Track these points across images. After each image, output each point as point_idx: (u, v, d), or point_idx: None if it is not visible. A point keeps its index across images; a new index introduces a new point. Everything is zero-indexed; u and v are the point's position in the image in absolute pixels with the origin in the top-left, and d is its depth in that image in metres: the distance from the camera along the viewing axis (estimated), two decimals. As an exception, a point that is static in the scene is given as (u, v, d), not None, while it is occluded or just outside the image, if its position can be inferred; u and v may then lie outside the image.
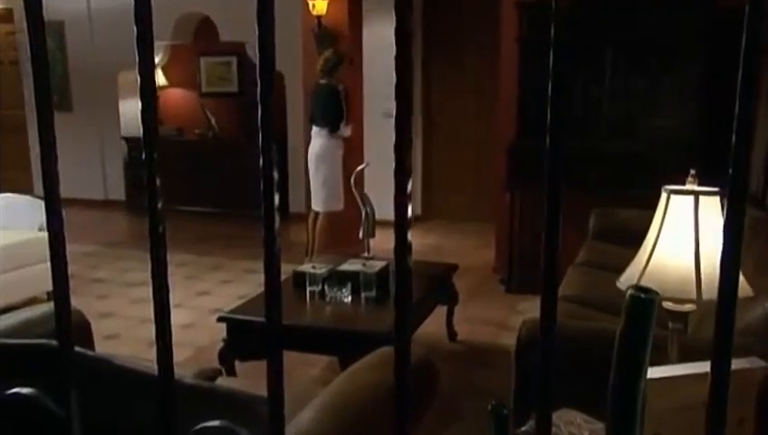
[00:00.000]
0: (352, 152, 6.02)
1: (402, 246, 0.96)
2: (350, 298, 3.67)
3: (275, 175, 0.81)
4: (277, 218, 0.82)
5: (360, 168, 4.09)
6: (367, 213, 4.12)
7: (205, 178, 8.27)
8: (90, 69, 8.56)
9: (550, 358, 0.74)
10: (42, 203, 5.61)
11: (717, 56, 4.53)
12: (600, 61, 4.94)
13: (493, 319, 4.90)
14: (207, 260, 6.42)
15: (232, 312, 3.49)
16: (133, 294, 5.35)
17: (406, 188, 0.96)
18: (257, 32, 0.87)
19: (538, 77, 5.03)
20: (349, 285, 3.66)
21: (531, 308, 5.12)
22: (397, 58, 0.78)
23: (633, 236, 4.39)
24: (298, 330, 3.62)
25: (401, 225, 0.96)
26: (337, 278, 3.72)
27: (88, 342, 2.93)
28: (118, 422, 1.49)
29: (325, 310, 3.69)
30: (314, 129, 5.79)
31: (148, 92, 0.99)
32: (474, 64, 7.45)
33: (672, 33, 4.80)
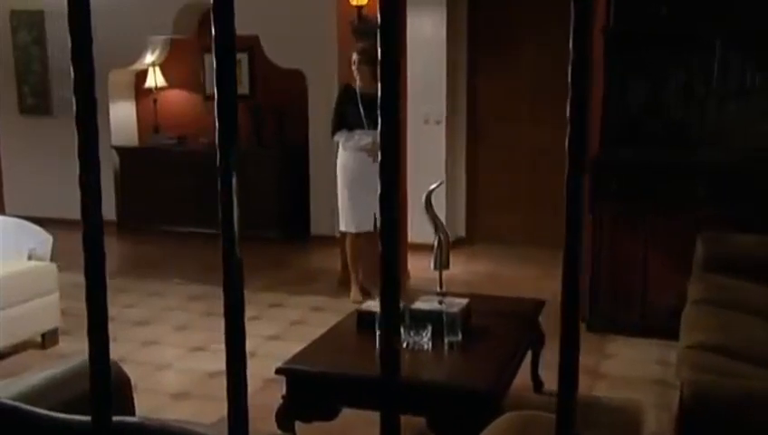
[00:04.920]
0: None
1: None
2: (430, 344, 3.43)
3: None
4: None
5: (433, 186, 3.85)
6: (440, 240, 3.88)
7: (212, 195, 7.96)
8: (74, 67, 8.33)
9: None
10: (30, 226, 5.25)
11: None
12: (706, 56, 4.74)
13: (580, 365, 4.64)
14: (224, 293, 6.16)
15: (291, 362, 3.24)
16: (142, 336, 5.09)
17: None
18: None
19: (632, 75, 4.83)
20: (429, 328, 3.42)
21: (622, 352, 4.89)
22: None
23: (755, 268, 4.19)
24: (366, 383, 3.38)
25: None
26: (413, 319, 3.47)
27: (128, 403, 2.68)
28: None
29: (401, 358, 3.44)
30: None
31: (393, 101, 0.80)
32: (530, 61, 7.24)
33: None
